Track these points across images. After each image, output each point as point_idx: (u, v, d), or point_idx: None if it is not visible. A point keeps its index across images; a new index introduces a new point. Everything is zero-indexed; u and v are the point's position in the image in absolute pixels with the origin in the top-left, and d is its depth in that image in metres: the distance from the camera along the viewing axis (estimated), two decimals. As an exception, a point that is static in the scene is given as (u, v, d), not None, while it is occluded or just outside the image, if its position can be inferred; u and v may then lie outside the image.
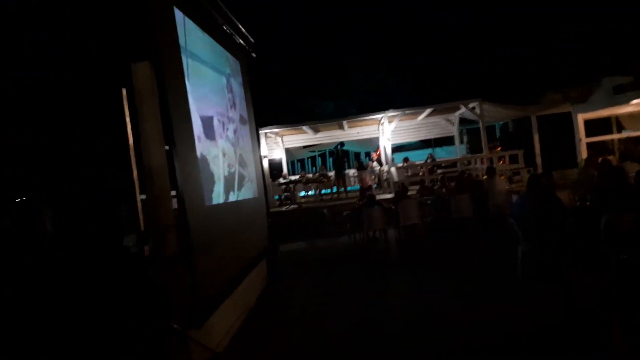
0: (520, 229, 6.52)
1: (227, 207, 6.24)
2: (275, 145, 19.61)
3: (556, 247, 6.31)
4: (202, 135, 5.56)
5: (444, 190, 10.98)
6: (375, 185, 16.66)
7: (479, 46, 24.25)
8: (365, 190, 13.24)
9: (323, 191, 17.28)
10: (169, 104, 4.65)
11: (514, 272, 6.59)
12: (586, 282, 5.90)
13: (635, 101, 12.39)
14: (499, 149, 16.21)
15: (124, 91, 4.24)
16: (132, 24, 4.43)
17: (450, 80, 23.29)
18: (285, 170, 19.61)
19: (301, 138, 19.94)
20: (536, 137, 17.49)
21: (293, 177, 18.49)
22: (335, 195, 16.33)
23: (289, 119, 20.87)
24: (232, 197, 6.55)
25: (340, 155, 16.06)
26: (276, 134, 18.70)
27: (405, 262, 8.62)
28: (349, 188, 17.72)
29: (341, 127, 18.50)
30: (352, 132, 18.79)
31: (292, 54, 28.69)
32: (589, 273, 5.99)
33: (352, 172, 17.80)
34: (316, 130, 19.06)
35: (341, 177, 15.53)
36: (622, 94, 12.40)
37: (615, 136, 15.88)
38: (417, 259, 8.59)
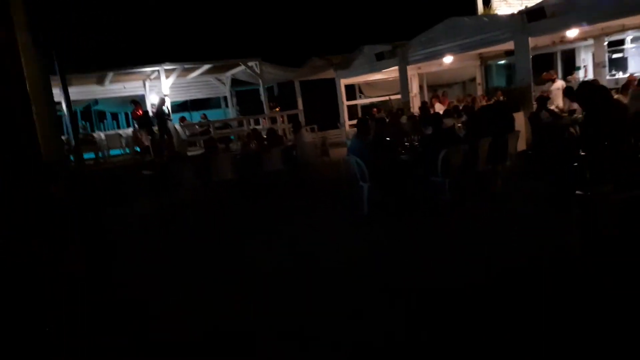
0: (367, 168, 7.04)
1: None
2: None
3: (394, 182, 7.15)
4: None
5: (252, 145, 10.88)
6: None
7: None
8: (159, 148, 11.96)
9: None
10: None
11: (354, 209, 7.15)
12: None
13: (390, 68, 14.62)
14: (278, 109, 16.89)
15: None
16: None
17: (217, 39, 22.78)
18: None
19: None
20: (300, 100, 18.91)
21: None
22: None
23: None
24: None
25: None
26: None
27: (246, 218, 8.25)
28: (112, 152, 15.75)
29: (101, 82, 16.11)
30: (116, 88, 16.60)
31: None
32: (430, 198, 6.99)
33: (123, 132, 15.79)
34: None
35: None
36: (382, 61, 14.43)
37: (368, 100, 18.51)
38: (257, 214, 8.32)
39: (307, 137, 10.86)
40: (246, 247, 6.15)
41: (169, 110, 14.20)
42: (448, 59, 13.14)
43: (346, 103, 17.20)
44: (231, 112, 18.85)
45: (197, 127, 15.74)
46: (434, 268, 4.51)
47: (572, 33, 10.46)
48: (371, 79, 18.45)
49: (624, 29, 12.92)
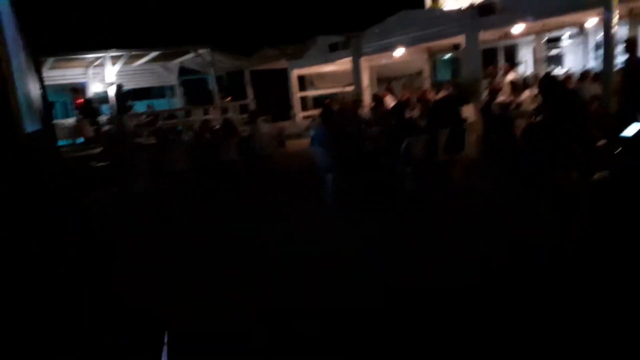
0: (332, 158, 7.07)
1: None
2: None
3: (360, 172, 7.25)
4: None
5: (208, 135, 10.62)
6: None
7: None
8: (114, 138, 11.42)
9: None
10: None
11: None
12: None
13: (343, 60, 14.69)
14: (229, 99, 16.51)
15: None
16: None
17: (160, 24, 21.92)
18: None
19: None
20: (250, 91, 18.58)
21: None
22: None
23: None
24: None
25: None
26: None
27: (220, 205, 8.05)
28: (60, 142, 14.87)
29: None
30: (55, 75, 15.60)
31: None
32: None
33: (63, 122, 14.90)
34: None
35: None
36: (336, 52, 14.48)
37: (320, 92, 18.50)
38: (229, 206, 8.08)
39: (264, 128, 10.74)
40: (224, 242, 6.00)
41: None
42: (400, 52, 13.38)
43: (299, 94, 17.13)
44: (178, 102, 18.25)
45: (143, 117, 15.17)
46: (412, 263, 4.51)
47: (518, 28, 10.93)
48: (322, 70, 18.48)
49: (562, 26, 13.69)
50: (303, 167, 9.57)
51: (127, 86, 18.09)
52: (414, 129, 7.25)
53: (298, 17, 21.35)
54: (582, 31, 14.25)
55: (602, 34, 14.85)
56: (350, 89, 15.47)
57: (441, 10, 12.25)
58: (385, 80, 20.33)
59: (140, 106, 17.61)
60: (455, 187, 7.12)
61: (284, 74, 17.64)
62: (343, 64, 15.99)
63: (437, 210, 6.10)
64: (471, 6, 10.83)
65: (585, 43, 14.94)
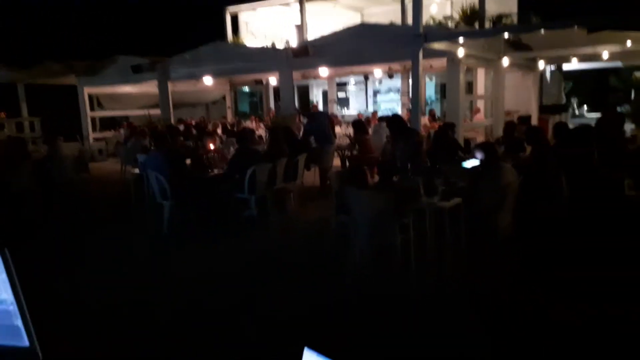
0: (170, 186, 6.62)
1: None
2: None
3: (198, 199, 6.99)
4: None
5: None
6: None
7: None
8: None
9: None
10: None
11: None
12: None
13: (144, 83, 13.82)
14: (3, 114, 13.62)
15: None
16: None
17: None
18: None
19: None
20: (24, 106, 15.90)
21: None
22: None
23: None
24: None
25: None
26: None
27: None
28: None
29: None
30: None
31: None
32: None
33: None
34: None
35: None
36: (140, 74, 13.46)
37: (117, 112, 16.99)
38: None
39: (64, 149, 9.33)
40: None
41: None
42: (209, 80, 13.31)
43: (90, 114, 15.42)
44: None
45: None
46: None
47: (324, 72, 12.09)
48: (114, 91, 17.00)
49: (351, 74, 15.71)
50: (122, 195, 8.64)
51: None
52: (257, 157, 7.32)
53: (89, 32, 19.34)
54: (365, 79, 16.57)
55: (378, 82, 17.62)
56: (154, 112, 14.57)
57: (257, 48, 12.69)
58: (180, 106, 19.85)
59: None
60: (294, 213, 7.45)
61: (66, 91, 15.75)
62: (140, 87, 15.18)
63: (279, 236, 6.30)
64: (286, 47, 11.54)
65: (366, 90, 17.43)
